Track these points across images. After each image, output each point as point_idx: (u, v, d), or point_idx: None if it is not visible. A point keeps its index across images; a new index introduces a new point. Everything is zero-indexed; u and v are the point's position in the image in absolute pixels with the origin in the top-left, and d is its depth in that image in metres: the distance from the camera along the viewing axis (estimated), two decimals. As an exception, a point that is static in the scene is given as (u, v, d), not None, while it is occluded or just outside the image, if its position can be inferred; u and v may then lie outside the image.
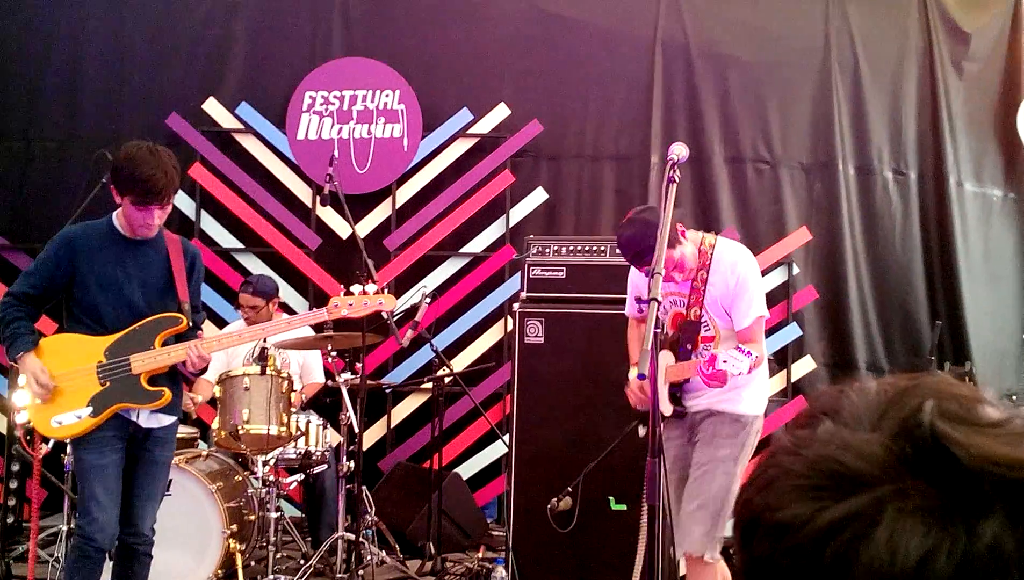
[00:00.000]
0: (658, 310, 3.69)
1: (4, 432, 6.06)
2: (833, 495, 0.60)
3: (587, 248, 5.07)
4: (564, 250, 5.07)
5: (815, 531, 0.59)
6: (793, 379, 6.53)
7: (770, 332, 6.53)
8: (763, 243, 6.59)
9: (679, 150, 3.45)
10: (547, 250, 5.08)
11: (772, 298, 6.56)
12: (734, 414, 3.76)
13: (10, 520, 5.22)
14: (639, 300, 3.86)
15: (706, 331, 3.78)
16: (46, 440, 4.20)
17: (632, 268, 3.93)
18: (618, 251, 3.82)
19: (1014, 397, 6.19)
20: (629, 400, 3.88)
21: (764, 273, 6.51)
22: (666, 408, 3.74)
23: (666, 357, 3.77)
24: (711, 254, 3.79)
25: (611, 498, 4.62)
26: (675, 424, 3.83)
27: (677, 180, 3.43)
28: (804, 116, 6.70)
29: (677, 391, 3.79)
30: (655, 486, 3.01)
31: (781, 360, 6.56)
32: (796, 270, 6.57)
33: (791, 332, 6.52)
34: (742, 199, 6.67)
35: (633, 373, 3.82)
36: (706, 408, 3.78)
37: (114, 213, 3.78)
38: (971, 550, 0.56)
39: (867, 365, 6.57)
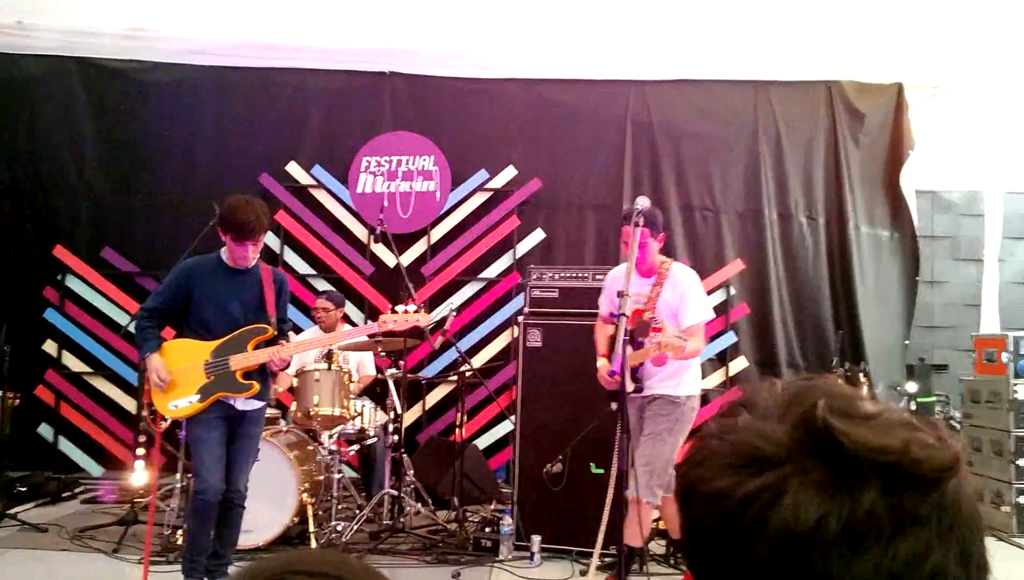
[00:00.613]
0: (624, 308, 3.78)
1: (134, 413, 6.09)
2: (750, 472, 0.60)
3: (575, 274, 5.08)
4: (557, 276, 5.07)
5: (737, 500, 0.60)
6: (730, 374, 6.52)
7: (712, 338, 6.53)
8: (708, 270, 6.56)
9: (642, 202, 3.51)
10: (544, 276, 5.09)
11: (714, 312, 6.58)
12: (671, 396, 3.87)
13: (139, 479, 5.23)
14: (612, 314, 3.86)
15: (655, 325, 3.85)
16: (165, 419, 4.20)
17: (611, 274, 4.06)
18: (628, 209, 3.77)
19: (899, 387, 6.16)
20: (601, 383, 3.94)
21: (707, 293, 6.55)
22: (628, 386, 3.76)
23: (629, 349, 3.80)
24: (667, 273, 3.91)
25: (592, 464, 4.61)
26: (632, 404, 3.88)
27: (641, 224, 3.48)
28: (738, 175, 6.69)
29: (636, 372, 3.84)
30: (624, 456, 3.04)
31: (721, 359, 6.55)
32: (733, 291, 6.56)
33: (729, 338, 6.52)
34: (692, 237, 6.66)
35: (602, 362, 3.92)
36: (651, 393, 3.88)
37: (222, 249, 3.80)
38: (854, 513, 0.57)
39: (787, 363, 6.54)
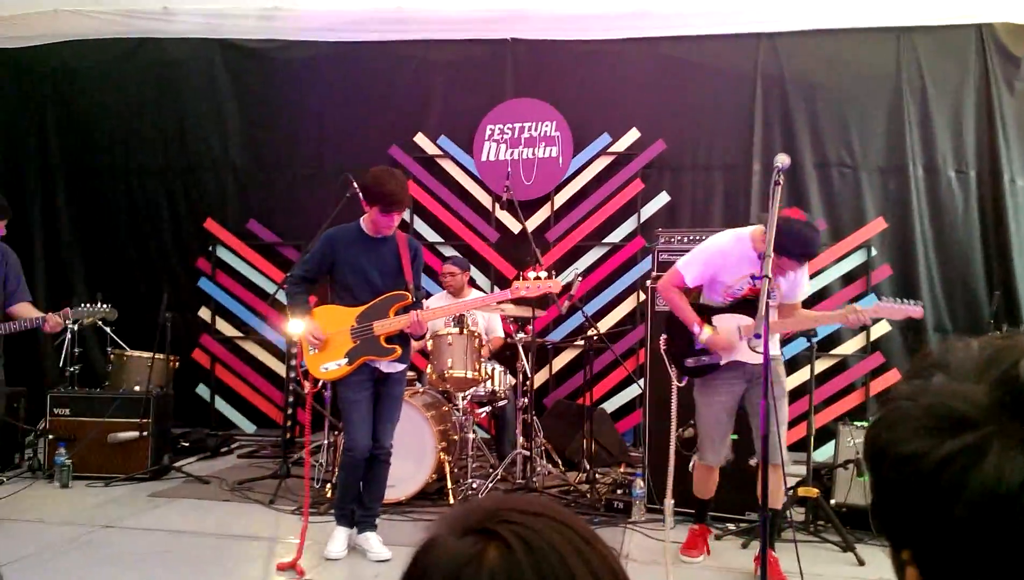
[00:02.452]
0: (737, 286, 3.72)
1: (283, 375, 6.48)
2: (947, 433, 0.58)
3: (704, 237, 4.94)
4: (685, 240, 4.95)
5: (933, 462, 0.58)
6: (871, 339, 6.22)
7: (852, 301, 6.25)
8: (845, 230, 6.29)
9: (783, 159, 3.33)
10: (672, 240, 4.98)
11: (853, 275, 6.31)
12: (779, 357, 3.80)
13: (288, 436, 5.59)
14: (754, 277, 3.64)
15: (772, 301, 3.63)
16: (315, 382, 4.43)
17: (722, 248, 3.70)
18: (809, 252, 3.57)
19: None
20: (720, 350, 3.70)
21: (845, 256, 6.28)
22: (751, 357, 3.60)
23: (740, 318, 3.69)
24: None
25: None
26: (734, 367, 3.71)
27: (781, 183, 3.32)
28: (879, 128, 6.31)
29: (749, 342, 3.65)
30: (767, 420, 2.97)
31: (862, 325, 6.26)
32: (874, 252, 6.23)
33: (870, 301, 6.17)
34: (828, 196, 6.36)
35: (707, 332, 3.70)
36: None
37: (360, 219, 3.94)
38: None
39: (934, 326, 6.16)
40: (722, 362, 3.73)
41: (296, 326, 3.92)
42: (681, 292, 3.83)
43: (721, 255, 3.69)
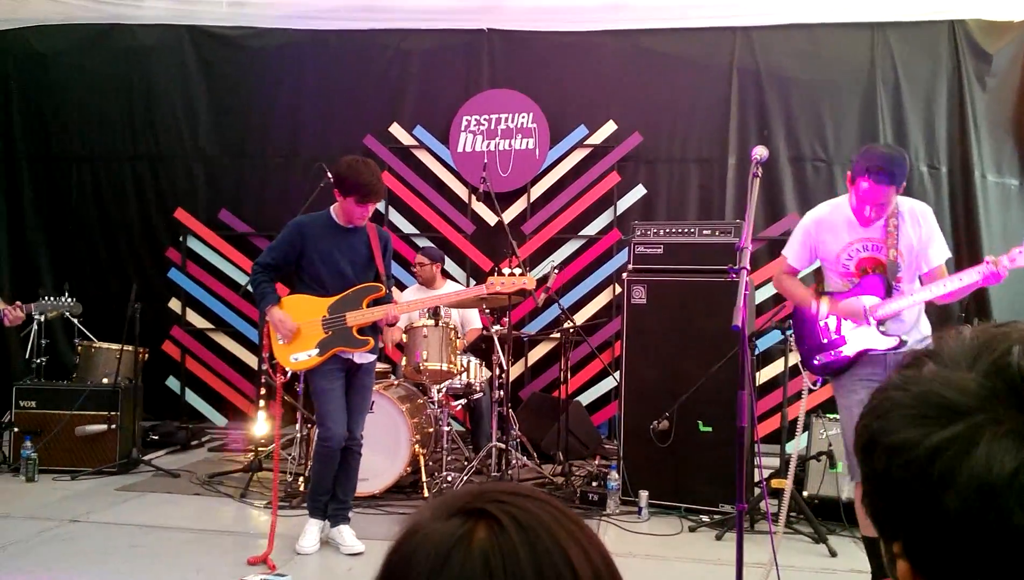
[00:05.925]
0: (844, 256, 3.31)
1: (255, 367, 6.38)
2: (938, 422, 0.57)
3: (680, 230, 4.93)
4: (662, 232, 4.94)
5: (925, 450, 0.57)
6: (842, 332, 6.27)
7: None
8: (819, 225, 6.31)
9: (761, 151, 3.26)
10: (648, 232, 4.97)
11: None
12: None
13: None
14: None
15: (900, 272, 3.24)
16: (285, 372, 4.35)
17: (817, 217, 3.34)
18: (878, 165, 3.06)
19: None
20: (845, 317, 3.25)
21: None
22: (883, 343, 3.20)
23: (868, 299, 3.23)
24: (897, 205, 3.23)
25: (699, 422, 4.55)
26: (871, 362, 3.22)
27: (759, 175, 3.27)
28: (853, 123, 6.34)
29: (880, 325, 3.21)
30: (743, 412, 2.87)
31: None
32: (846, 246, 6.27)
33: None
34: (802, 190, 6.37)
35: (824, 304, 3.29)
36: (907, 347, 3.22)
37: (331, 208, 3.87)
38: None
39: (905, 321, 6.24)
40: (851, 356, 3.25)
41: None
42: (792, 277, 3.48)
43: (816, 224, 3.34)
